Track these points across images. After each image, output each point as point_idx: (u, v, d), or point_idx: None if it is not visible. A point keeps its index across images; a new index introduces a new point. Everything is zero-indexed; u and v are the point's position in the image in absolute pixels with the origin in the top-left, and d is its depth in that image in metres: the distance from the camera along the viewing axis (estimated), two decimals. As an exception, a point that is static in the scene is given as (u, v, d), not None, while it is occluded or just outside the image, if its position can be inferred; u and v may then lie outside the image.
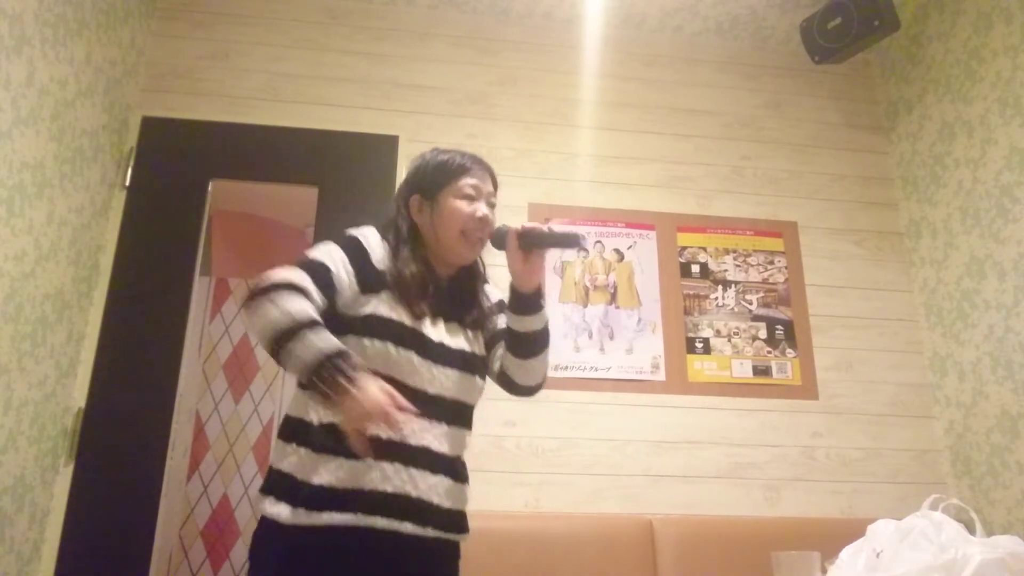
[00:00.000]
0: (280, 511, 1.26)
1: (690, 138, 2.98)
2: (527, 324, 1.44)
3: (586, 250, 1.39)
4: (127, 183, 2.59)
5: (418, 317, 1.37)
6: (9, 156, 1.90)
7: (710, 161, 2.96)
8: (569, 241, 1.43)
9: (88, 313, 2.42)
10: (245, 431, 3.85)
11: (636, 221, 2.82)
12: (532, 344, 1.45)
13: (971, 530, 1.29)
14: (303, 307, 1.23)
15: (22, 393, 2.03)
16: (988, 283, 2.55)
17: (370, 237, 1.42)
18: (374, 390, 1.15)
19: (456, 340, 1.42)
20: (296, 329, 1.19)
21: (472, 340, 1.47)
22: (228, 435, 3.83)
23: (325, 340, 1.19)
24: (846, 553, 1.36)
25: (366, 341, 1.32)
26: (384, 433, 1.23)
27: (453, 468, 1.39)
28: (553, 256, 2.71)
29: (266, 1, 2.93)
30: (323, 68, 2.86)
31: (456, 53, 2.97)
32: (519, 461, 2.47)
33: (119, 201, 2.56)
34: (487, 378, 1.50)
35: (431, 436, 1.34)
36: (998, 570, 1.16)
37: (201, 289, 3.76)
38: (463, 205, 1.45)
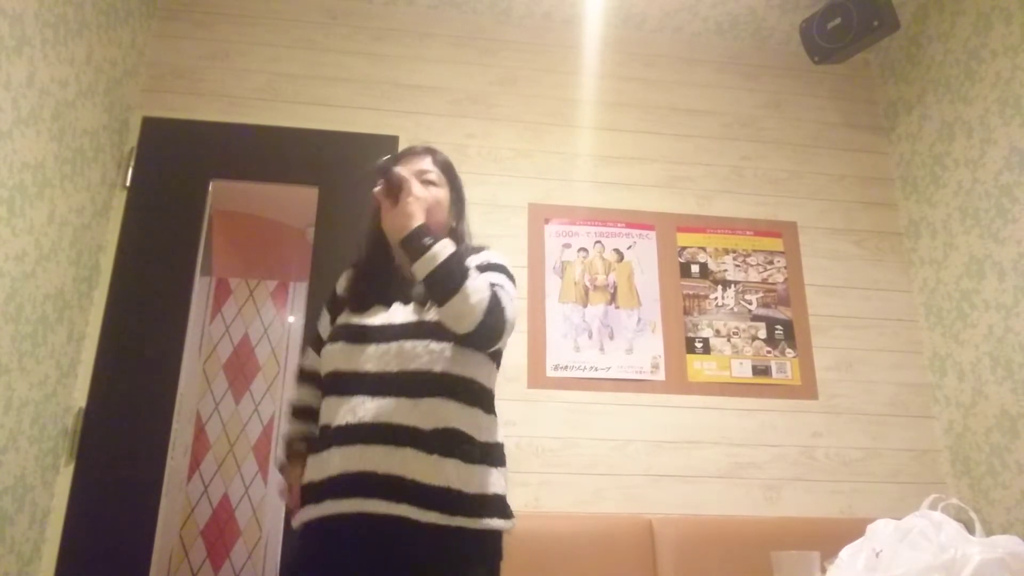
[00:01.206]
0: (293, 520, 1.42)
1: (690, 138, 2.98)
2: (418, 269, 1.33)
3: (391, 178, 1.30)
4: (127, 183, 2.59)
5: (351, 312, 1.48)
6: (9, 156, 1.90)
7: (710, 161, 2.96)
8: (382, 171, 1.38)
9: (88, 313, 2.43)
10: (246, 431, 3.85)
11: (636, 221, 2.82)
12: (435, 287, 1.32)
13: (970, 530, 1.29)
14: (296, 393, 1.63)
15: (23, 393, 2.04)
16: (988, 283, 2.55)
17: (341, 277, 1.62)
18: (283, 486, 1.53)
19: (405, 316, 1.42)
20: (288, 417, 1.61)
21: (428, 311, 1.41)
22: (229, 435, 3.83)
23: (284, 428, 1.59)
24: (846, 553, 1.36)
25: (321, 351, 1.52)
26: (341, 421, 1.34)
27: (428, 440, 1.32)
28: (553, 256, 2.72)
29: (266, 1, 2.93)
30: (323, 68, 2.86)
31: (456, 53, 2.97)
32: (519, 461, 2.47)
33: (119, 201, 2.57)
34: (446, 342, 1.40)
35: (391, 411, 1.33)
36: (997, 570, 1.16)
37: (201, 289, 3.77)
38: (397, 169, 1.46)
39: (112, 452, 2.33)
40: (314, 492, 1.34)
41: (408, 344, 1.37)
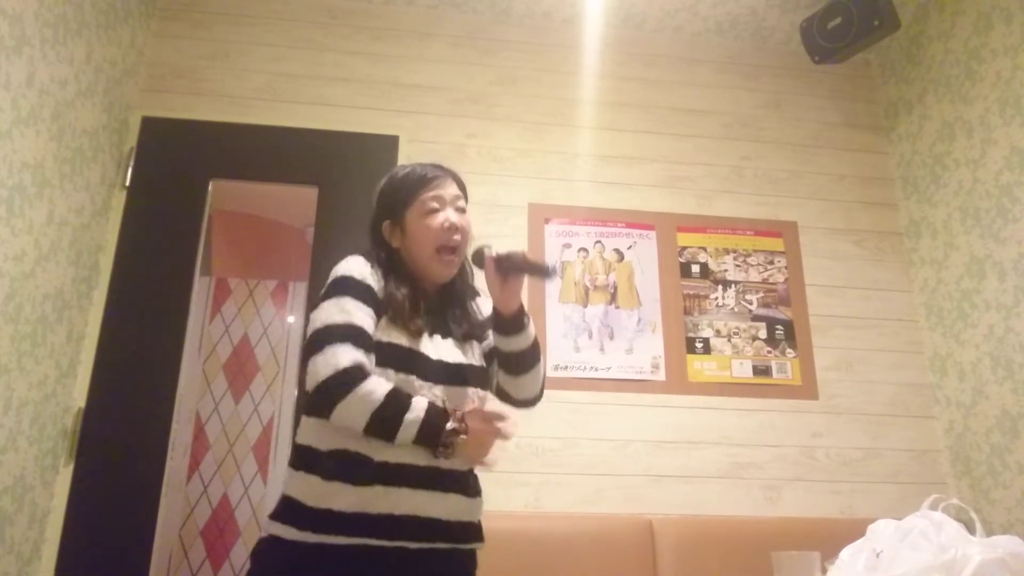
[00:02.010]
0: (286, 531, 1.29)
1: (690, 138, 2.98)
2: (512, 344, 1.45)
3: (554, 278, 1.45)
4: (127, 183, 2.58)
5: (415, 335, 1.37)
6: (9, 156, 1.90)
7: (710, 161, 2.96)
8: (542, 271, 1.47)
9: (88, 313, 2.42)
10: (245, 431, 3.85)
11: (636, 221, 2.82)
12: (521, 362, 1.47)
13: (971, 530, 1.29)
14: (373, 388, 1.27)
15: (22, 393, 2.03)
16: (988, 283, 2.55)
17: (363, 269, 1.41)
18: (478, 426, 1.31)
19: (453, 355, 1.43)
20: (383, 414, 1.26)
21: (468, 352, 1.46)
22: (228, 435, 3.83)
23: (414, 410, 1.27)
24: (846, 553, 1.36)
25: (378, 369, 1.33)
26: (389, 459, 1.29)
27: (464, 483, 1.37)
28: (553, 256, 2.72)
29: (266, 1, 2.93)
30: (323, 68, 2.86)
31: (456, 53, 2.97)
32: (519, 461, 2.47)
33: (119, 201, 2.56)
34: (487, 390, 1.50)
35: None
36: (998, 570, 1.16)
37: (201, 289, 3.76)
38: (430, 221, 1.44)
39: (112, 452, 2.33)
40: (343, 524, 1.26)
41: (470, 390, 1.42)
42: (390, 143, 2.76)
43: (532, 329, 1.47)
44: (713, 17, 3.04)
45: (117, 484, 2.31)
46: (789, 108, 3.10)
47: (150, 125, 2.66)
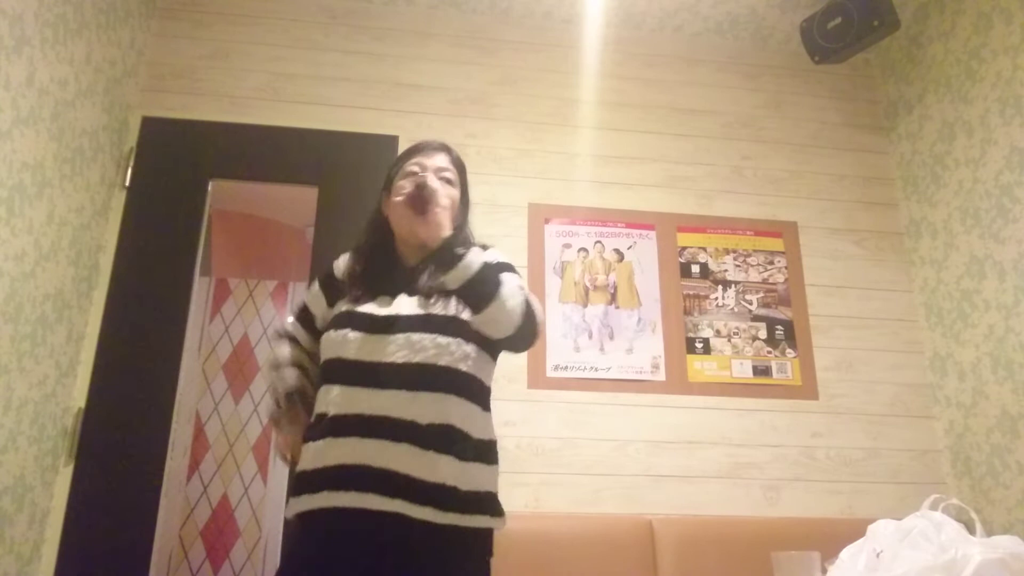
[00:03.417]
0: (286, 508, 1.40)
1: (690, 138, 2.98)
2: (453, 280, 1.35)
3: (424, 192, 1.34)
4: (127, 183, 2.58)
5: (356, 300, 1.46)
6: (9, 156, 1.90)
7: (710, 161, 2.96)
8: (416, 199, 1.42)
9: (88, 313, 2.42)
10: (245, 431, 3.85)
11: (636, 221, 2.82)
12: (471, 296, 1.36)
13: (971, 530, 1.29)
14: (285, 352, 1.56)
15: (22, 393, 2.03)
16: (988, 283, 2.55)
17: (340, 259, 1.60)
18: (280, 439, 1.49)
19: (412, 308, 1.42)
20: (276, 367, 1.53)
21: (434, 305, 1.42)
22: (228, 435, 3.83)
23: (284, 382, 1.50)
24: (846, 553, 1.36)
25: (323, 337, 1.47)
26: (339, 410, 1.35)
27: (424, 436, 1.32)
28: (553, 256, 2.72)
29: (266, 1, 2.93)
30: (323, 68, 2.86)
31: (456, 53, 2.97)
32: (519, 461, 2.47)
33: (119, 201, 2.56)
34: (472, 340, 1.42)
35: (389, 404, 1.33)
36: (998, 570, 1.16)
37: (201, 289, 3.76)
38: (404, 184, 1.49)
39: (112, 452, 2.33)
40: (310, 481, 1.34)
41: (415, 336, 1.38)
42: (390, 143, 2.75)
43: (475, 260, 1.35)
44: (713, 17, 3.04)
45: (117, 484, 2.31)
46: (789, 108, 3.10)
47: (150, 125, 2.66)
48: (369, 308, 1.44)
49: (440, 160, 1.55)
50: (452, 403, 1.37)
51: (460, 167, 1.59)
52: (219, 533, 3.69)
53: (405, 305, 1.43)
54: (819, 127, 3.09)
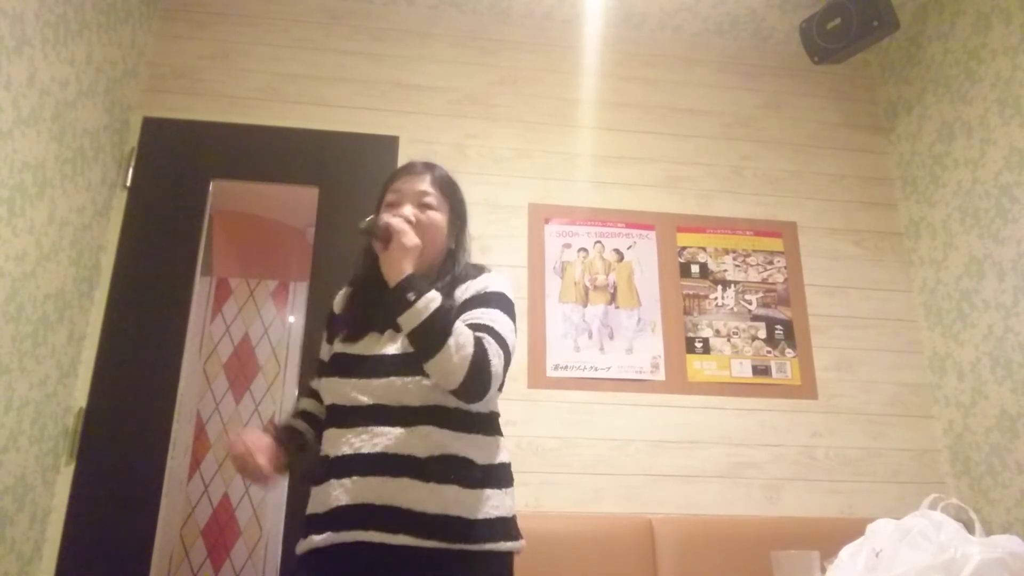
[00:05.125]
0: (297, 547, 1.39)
1: (690, 138, 2.98)
2: (405, 323, 1.31)
3: (374, 230, 1.36)
4: (128, 183, 2.59)
5: (350, 339, 1.46)
6: (10, 156, 1.90)
7: (710, 161, 2.96)
8: (371, 230, 1.38)
9: (89, 313, 2.43)
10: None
11: (636, 221, 2.82)
12: (419, 343, 1.30)
13: (970, 530, 1.29)
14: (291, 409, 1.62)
15: (23, 393, 2.04)
16: (987, 283, 2.55)
17: (339, 294, 1.61)
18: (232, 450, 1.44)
19: (396, 347, 1.38)
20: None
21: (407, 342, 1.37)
22: (229, 435, 3.83)
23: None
24: (846, 553, 1.36)
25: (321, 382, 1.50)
26: (339, 452, 1.34)
27: (424, 468, 1.30)
28: (553, 256, 2.72)
29: (266, 1, 2.93)
30: (323, 68, 2.87)
31: (456, 53, 2.97)
32: (519, 461, 2.47)
33: (120, 201, 2.57)
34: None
35: (386, 441, 1.32)
36: (997, 570, 1.17)
37: (202, 289, 3.76)
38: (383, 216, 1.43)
39: (112, 452, 2.33)
40: (314, 524, 1.34)
41: (399, 381, 1.35)
42: (390, 143, 2.76)
43: (427, 306, 1.29)
44: (713, 17, 3.05)
45: (118, 484, 2.31)
46: (789, 108, 3.10)
47: (151, 125, 2.67)
48: (357, 349, 1.43)
49: (422, 184, 1.49)
50: (447, 435, 1.34)
51: (444, 185, 1.53)
52: (220, 532, 3.69)
53: (392, 344, 1.40)
54: (818, 127, 3.09)
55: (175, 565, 3.58)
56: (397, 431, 1.32)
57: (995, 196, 2.54)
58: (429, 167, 1.54)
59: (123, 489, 2.31)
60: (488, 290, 1.44)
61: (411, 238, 1.36)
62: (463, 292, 1.45)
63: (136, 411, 2.38)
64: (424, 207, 1.47)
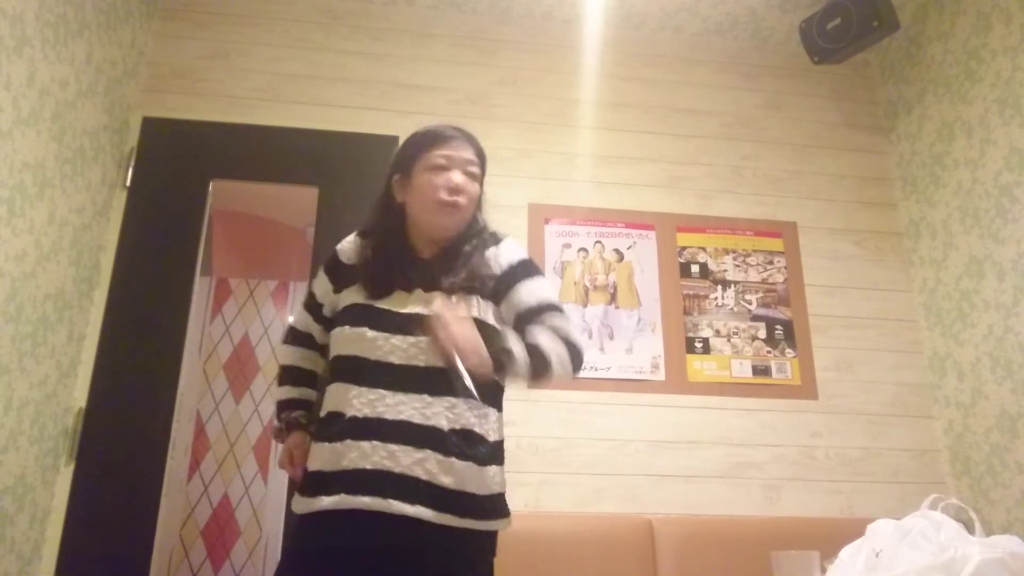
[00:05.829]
0: (294, 502, 1.37)
1: (690, 138, 2.98)
2: (514, 382, 1.41)
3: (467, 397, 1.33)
4: (128, 183, 2.59)
5: (374, 295, 1.43)
6: (10, 156, 1.90)
7: (710, 161, 2.96)
8: (458, 388, 1.30)
9: (89, 313, 2.43)
10: (246, 431, 3.85)
11: (636, 221, 2.82)
12: (535, 380, 1.39)
13: (970, 530, 1.29)
14: (285, 354, 1.60)
15: (23, 393, 2.04)
16: (987, 283, 2.55)
17: (345, 242, 1.56)
18: (283, 453, 1.51)
19: (423, 308, 1.36)
20: (277, 379, 1.62)
21: (456, 303, 1.38)
22: (229, 435, 3.83)
23: (282, 392, 1.57)
24: (846, 553, 1.36)
25: (336, 330, 1.43)
26: (358, 412, 1.33)
27: (446, 442, 1.31)
28: (553, 256, 2.72)
29: (266, 1, 2.93)
30: (323, 68, 2.86)
31: (456, 53, 2.97)
32: (519, 461, 2.47)
33: (120, 201, 2.57)
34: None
35: (410, 409, 1.32)
36: (997, 570, 1.17)
37: (202, 289, 3.76)
38: (434, 177, 1.46)
39: (112, 452, 2.33)
40: (324, 483, 1.31)
41: (407, 339, 1.36)
42: (390, 143, 2.74)
43: (520, 354, 1.34)
44: (713, 17, 3.05)
45: (118, 484, 2.31)
46: (789, 108, 3.10)
47: (151, 125, 2.67)
48: (387, 304, 1.41)
49: (467, 152, 1.52)
50: (470, 407, 1.36)
51: (484, 158, 1.57)
52: (220, 533, 3.69)
53: (424, 303, 1.39)
54: (818, 127, 3.09)
55: (175, 565, 3.58)
56: (424, 399, 1.33)
57: (995, 196, 2.54)
58: (470, 137, 1.57)
59: (123, 489, 2.31)
60: (515, 261, 1.52)
61: (457, 327, 1.29)
62: (493, 257, 1.50)
63: (136, 411, 2.38)
64: (470, 176, 1.51)
